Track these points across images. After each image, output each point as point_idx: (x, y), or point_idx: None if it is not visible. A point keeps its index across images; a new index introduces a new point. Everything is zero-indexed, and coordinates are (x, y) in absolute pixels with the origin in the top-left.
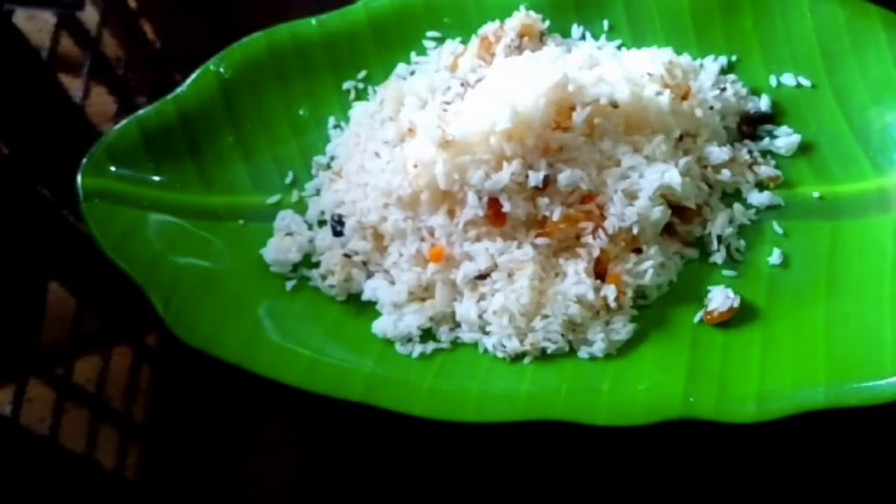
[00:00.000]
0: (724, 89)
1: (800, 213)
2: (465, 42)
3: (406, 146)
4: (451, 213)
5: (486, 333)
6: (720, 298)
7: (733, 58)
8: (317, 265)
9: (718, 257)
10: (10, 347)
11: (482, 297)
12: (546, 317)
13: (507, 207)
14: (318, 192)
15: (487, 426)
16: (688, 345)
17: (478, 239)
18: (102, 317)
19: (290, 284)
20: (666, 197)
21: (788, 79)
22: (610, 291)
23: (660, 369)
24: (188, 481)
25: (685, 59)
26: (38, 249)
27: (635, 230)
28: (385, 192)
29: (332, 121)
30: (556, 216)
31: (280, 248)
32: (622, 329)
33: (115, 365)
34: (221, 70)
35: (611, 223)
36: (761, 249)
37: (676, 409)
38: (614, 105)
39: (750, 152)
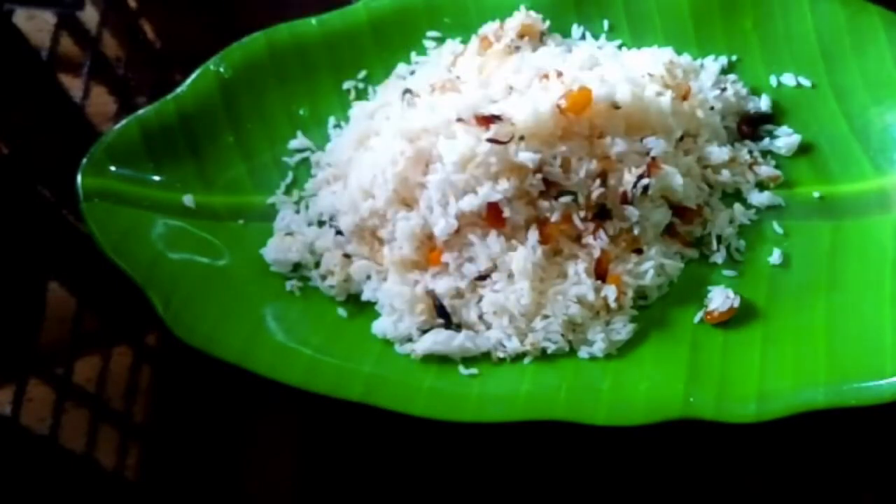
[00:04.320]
0: (724, 89)
1: (800, 213)
2: (465, 42)
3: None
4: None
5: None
6: (720, 298)
7: (733, 58)
8: (317, 265)
9: (718, 257)
10: (10, 347)
11: (482, 298)
12: (546, 317)
13: (507, 213)
14: (317, 192)
15: (487, 426)
16: (688, 345)
17: (478, 239)
18: (102, 317)
19: (290, 284)
20: (666, 197)
21: (788, 79)
22: (610, 292)
23: (660, 369)
24: (188, 481)
25: (685, 59)
26: (38, 249)
27: (636, 231)
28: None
29: (332, 121)
30: (556, 217)
31: (280, 248)
32: (622, 329)
33: (115, 365)
34: (221, 70)
35: (611, 224)
36: (761, 249)
37: (676, 409)
38: (615, 106)
39: (750, 152)
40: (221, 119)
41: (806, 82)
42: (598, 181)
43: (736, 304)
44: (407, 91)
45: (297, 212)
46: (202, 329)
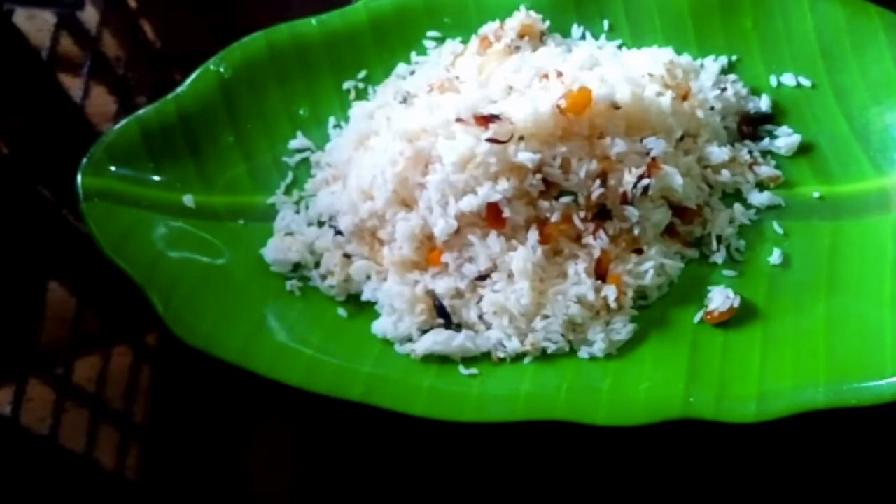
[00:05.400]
0: (724, 89)
1: (800, 213)
2: (465, 42)
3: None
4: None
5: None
6: (720, 298)
7: (733, 58)
8: (317, 265)
9: (718, 257)
10: (10, 347)
11: (482, 298)
12: (546, 317)
13: (507, 213)
14: (317, 193)
15: (487, 426)
16: (688, 345)
17: (478, 240)
18: (102, 317)
19: (290, 284)
20: (666, 197)
21: (788, 79)
22: (610, 292)
23: (660, 369)
24: (188, 481)
25: (685, 59)
26: (38, 249)
27: (636, 231)
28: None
29: (332, 121)
30: (556, 217)
31: (280, 248)
32: (622, 329)
33: (115, 365)
34: (221, 70)
35: (611, 224)
36: (761, 249)
37: (676, 409)
38: (615, 106)
39: (750, 152)
40: (221, 119)
41: (806, 82)
42: (598, 181)
43: (736, 304)
44: (403, 92)
45: (297, 212)
46: (202, 329)
